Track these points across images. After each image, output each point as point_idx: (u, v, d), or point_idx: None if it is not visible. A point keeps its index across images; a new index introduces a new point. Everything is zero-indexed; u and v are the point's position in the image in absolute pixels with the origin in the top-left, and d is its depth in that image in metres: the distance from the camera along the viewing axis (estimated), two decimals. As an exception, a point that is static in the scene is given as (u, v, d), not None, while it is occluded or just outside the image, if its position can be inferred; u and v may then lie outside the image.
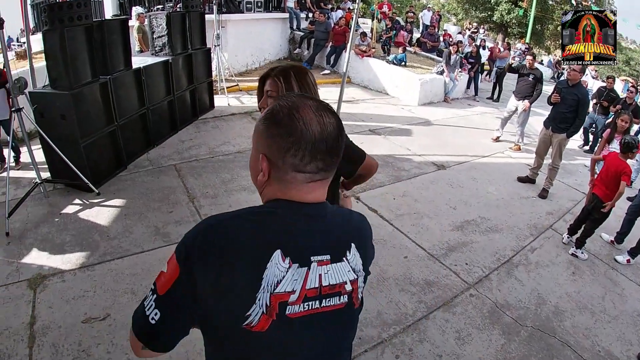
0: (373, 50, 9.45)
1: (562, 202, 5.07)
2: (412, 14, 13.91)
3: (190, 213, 4.00)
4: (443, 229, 3.94)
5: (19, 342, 2.56)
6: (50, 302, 2.87)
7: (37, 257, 3.31)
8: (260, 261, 0.80)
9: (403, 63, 9.05)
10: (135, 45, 8.12)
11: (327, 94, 7.33)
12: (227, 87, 7.79)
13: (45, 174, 4.25)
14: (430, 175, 4.94)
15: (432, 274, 3.44)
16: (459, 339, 2.84)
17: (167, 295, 0.82)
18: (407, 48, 10.77)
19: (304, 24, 11.27)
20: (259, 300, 0.80)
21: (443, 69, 9.09)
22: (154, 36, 5.58)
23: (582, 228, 4.03)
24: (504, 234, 4.18)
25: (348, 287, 0.90)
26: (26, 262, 3.25)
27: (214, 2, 7.36)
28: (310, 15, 11.36)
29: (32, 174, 4.14)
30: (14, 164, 4.69)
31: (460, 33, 15.38)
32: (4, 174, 4.04)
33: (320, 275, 0.85)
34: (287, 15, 10.87)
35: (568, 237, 4.17)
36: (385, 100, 8.39)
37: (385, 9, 12.82)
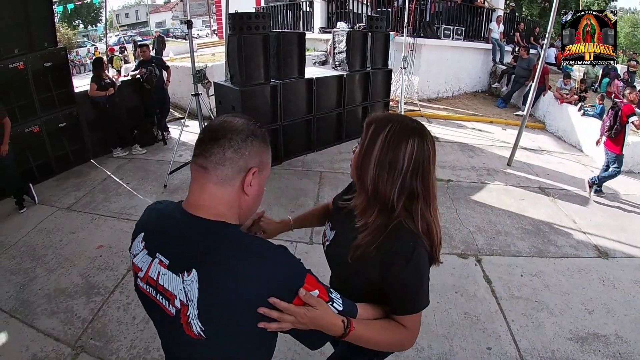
0: (575, 97, 7.75)
1: None
2: (635, 63, 9.90)
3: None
4: (559, 333, 2.79)
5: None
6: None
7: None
8: (134, 236, 0.99)
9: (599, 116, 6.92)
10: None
11: (512, 137, 6.34)
12: (406, 111, 7.72)
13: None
14: (584, 262, 3.62)
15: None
16: None
17: None
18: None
19: (509, 58, 10.22)
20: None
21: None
22: (335, 51, 6.01)
23: None
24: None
25: (177, 303, 0.86)
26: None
27: (404, 25, 7.41)
28: (517, 49, 10.16)
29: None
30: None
31: None
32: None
33: (158, 272, 0.89)
34: (490, 46, 10.09)
35: None
36: (576, 157, 6.71)
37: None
